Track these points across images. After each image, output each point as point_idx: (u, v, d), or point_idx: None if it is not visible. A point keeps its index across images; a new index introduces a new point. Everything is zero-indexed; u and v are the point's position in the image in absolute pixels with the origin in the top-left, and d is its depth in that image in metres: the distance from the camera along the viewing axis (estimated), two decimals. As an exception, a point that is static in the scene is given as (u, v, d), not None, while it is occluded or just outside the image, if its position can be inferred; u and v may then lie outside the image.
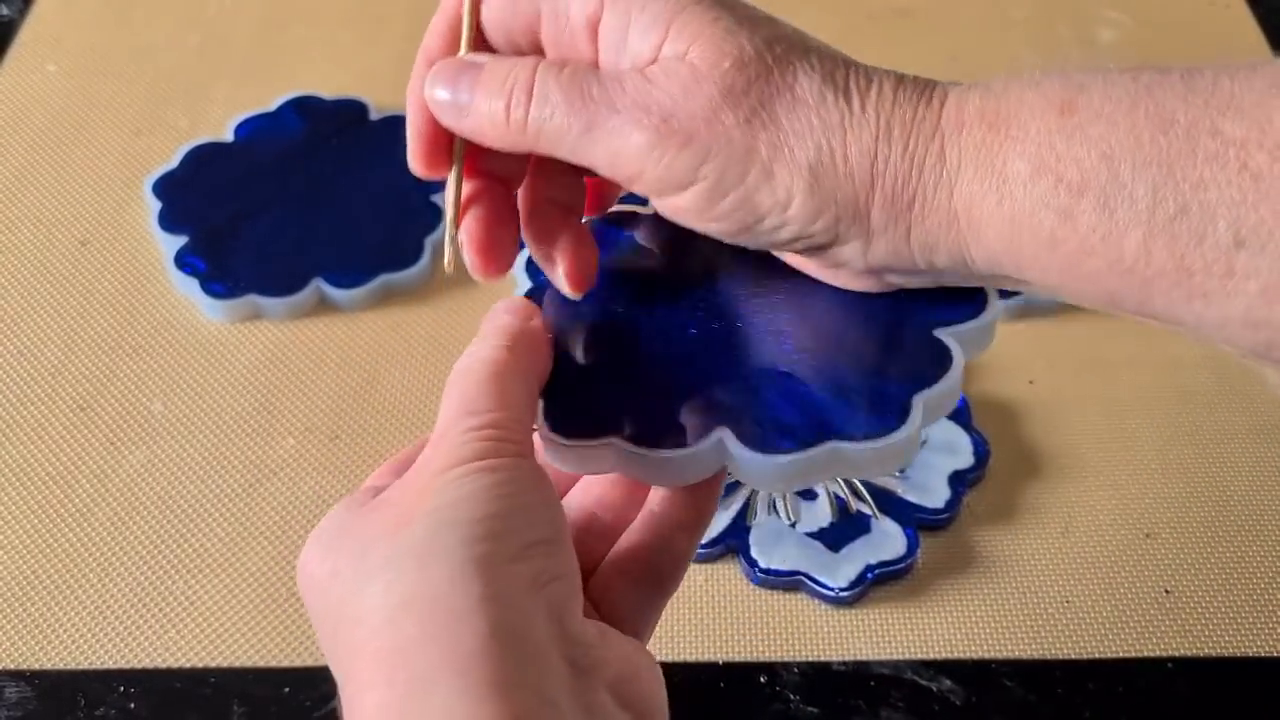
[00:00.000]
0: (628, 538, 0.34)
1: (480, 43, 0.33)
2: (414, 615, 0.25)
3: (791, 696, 0.49)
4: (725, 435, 0.31)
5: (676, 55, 0.30)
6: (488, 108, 0.31)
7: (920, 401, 0.31)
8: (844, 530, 0.52)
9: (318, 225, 0.65)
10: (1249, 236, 0.26)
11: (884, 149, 0.29)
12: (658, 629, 0.35)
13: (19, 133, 0.72)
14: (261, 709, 0.49)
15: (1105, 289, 0.28)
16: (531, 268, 0.37)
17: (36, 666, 0.50)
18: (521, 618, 0.26)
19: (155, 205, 0.66)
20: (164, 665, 0.50)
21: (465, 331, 0.62)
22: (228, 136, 0.69)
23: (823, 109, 0.29)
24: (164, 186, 0.67)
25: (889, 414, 0.31)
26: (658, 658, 0.31)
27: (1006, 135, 0.28)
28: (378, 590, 0.26)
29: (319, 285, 0.62)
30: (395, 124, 0.70)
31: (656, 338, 0.34)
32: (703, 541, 0.51)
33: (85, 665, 0.50)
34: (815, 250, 0.31)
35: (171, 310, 0.63)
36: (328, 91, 0.72)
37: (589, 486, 0.36)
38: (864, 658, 0.50)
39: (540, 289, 0.36)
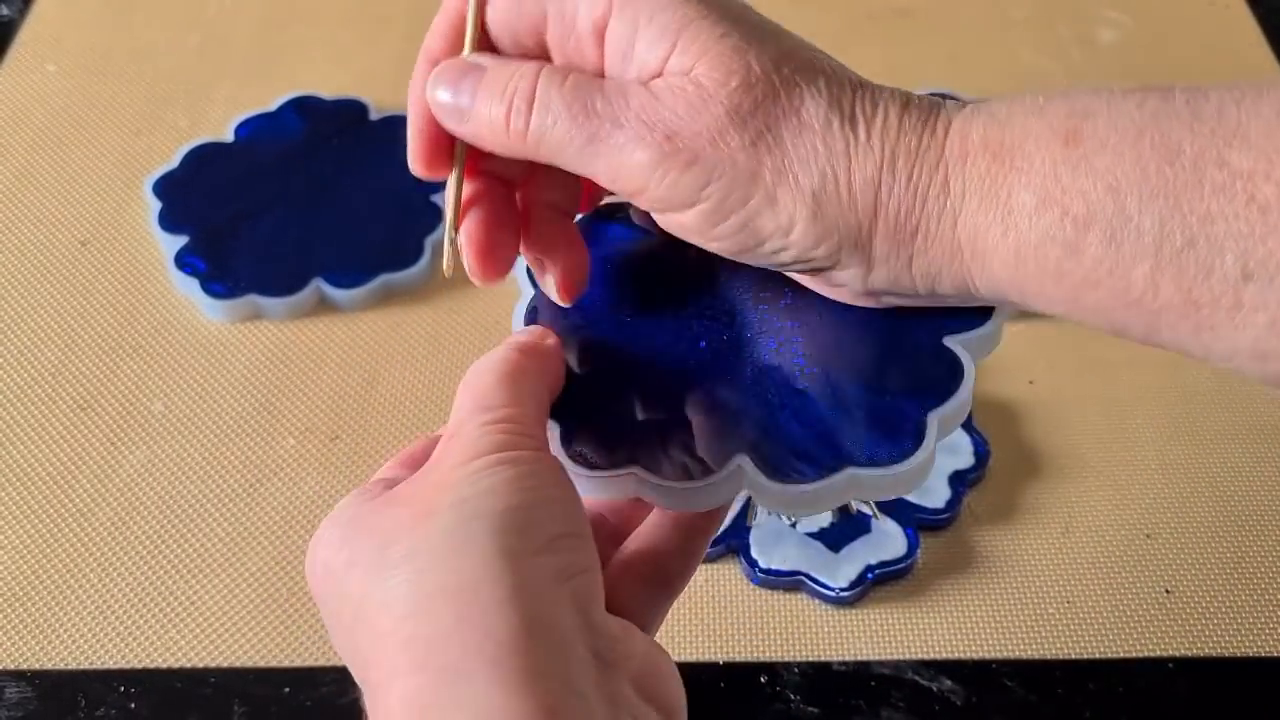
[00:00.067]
0: (638, 538, 0.34)
1: (485, 43, 0.32)
2: (446, 605, 0.25)
3: (792, 696, 0.49)
4: (745, 463, 0.31)
5: (683, 70, 0.29)
6: (488, 113, 0.31)
7: (935, 420, 0.31)
8: (844, 530, 0.52)
9: (318, 225, 0.65)
10: (1257, 269, 0.25)
11: (888, 179, 0.29)
12: (658, 629, 0.35)
13: (19, 133, 0.72)
14: (261, 709, 0.49)
15: (1111, 319, 0.28)
16: (533, 275, 0.36)
17: (37, 666, 0.50)
18: (551, 610, 0.26)
19: (155, 205, 0.66)
20: (164, 665, 0.50)
21: (465, 331, 0.62)
22: (228, 136, 0.69)
23: (828, 135, 0.29)
24: (164, 186, 0.67)
25: (906, 437, 0.31)
26: (659, 657, 0.31)
27: (1011, 166, 0.28)
28: (403, 580, 0.26)
29: (319, 285, 0.62)
30: (395, 124, 0.70)
31: (669, 353, 0.34)
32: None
33: (85, 665, 0.50)
34: (815, 272, 0.31)
35: (171, 310, 0.63)
36: (328, 91, 0.72)
37: None
38: (864, 658, 0.50)
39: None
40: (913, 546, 0.52)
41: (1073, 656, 0.50)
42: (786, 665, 0.50)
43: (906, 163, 0.29)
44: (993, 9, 0.80)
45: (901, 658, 0.50)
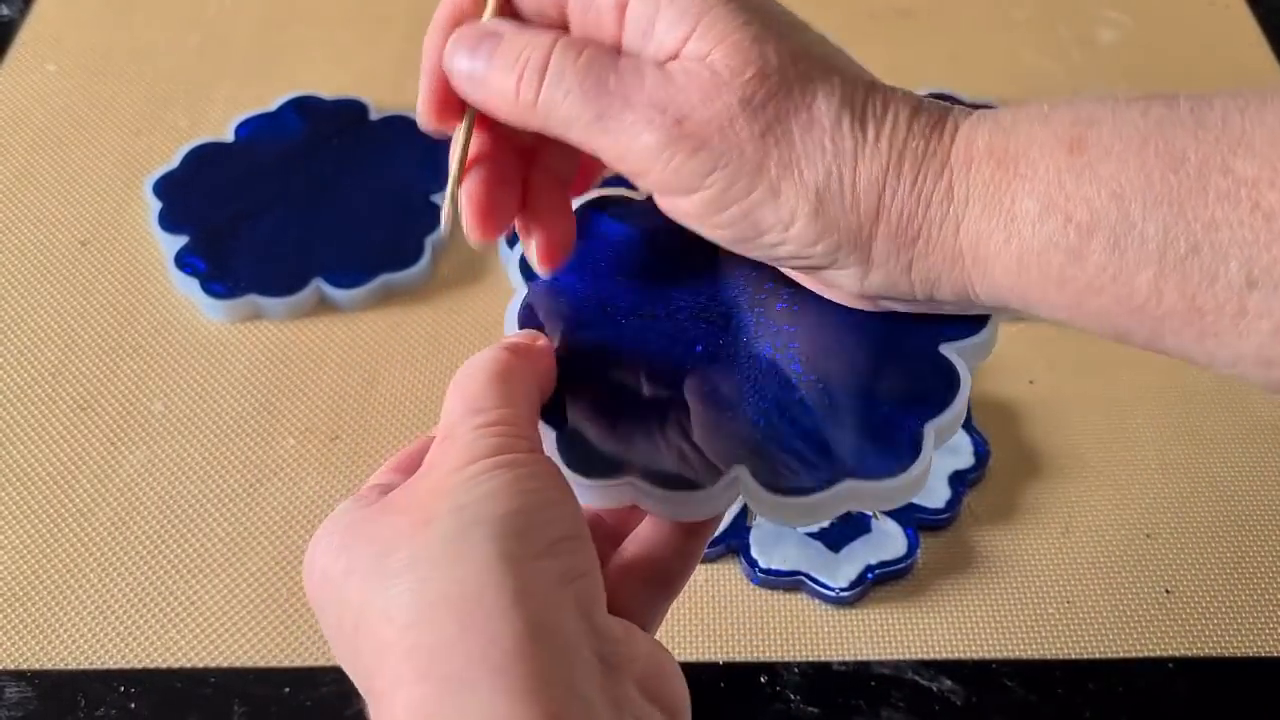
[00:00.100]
0: (636, 539, 0.34)
1: (507, 7, 0.32)
2: (449, 613, 0.25)
3: (792, 696, 0.49)
4: (742, 474, 0.31)
5: (699, 55, 0.29)
6: (500, 83, 0.30)
7: (932, 430, 0.31)
8: (844, 530, 0.52)
9: (318, 225, 0.65)
10: (1261, 277, 0.25)
11: (893, 182, 0.29)
12: (658, 629, 0.35)
13: (19, 132, 0.72)
14: (261, 709, 0.49)
15: (1114, 326, 0.28)
16: (526, 271, 0.36)
17: (37, 666, 0.50)
18: (554, 615, 0.26)
19: (155, 205, 0.66)
20: (164, 665, 0.50)
21: (465, 331, 0.62)
22: (228, 136, 0.69)
23: (837, 134, 0.29)
24: (164, 186, 0.67)
25: (903, 448, 0.31)
26: (659, 657, 0.31)
27: (1015, 173, 0.28)
28: (405, 589, 0.26)
29: (319, 285, 0.62)
30: (395, 124, 0.70)
31: (664, 357, 0.33)
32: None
33: (85, 665, 0.50)
34: (811, 269, 0.31)
35: (171, 310, 0.63)
36: (328, 91, 0.72)
37: None
38: (864, 658, 0.50)
39: (537, 297, 0.35)
40: (913, 546, 0.52)
41: (1073, 656, 0.50)
42: (786, 665, 0.50)
43: (912, 167, 0.29)
44: (994, 9, 0.80)
45: (901, 658, 0.50)
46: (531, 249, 0.34)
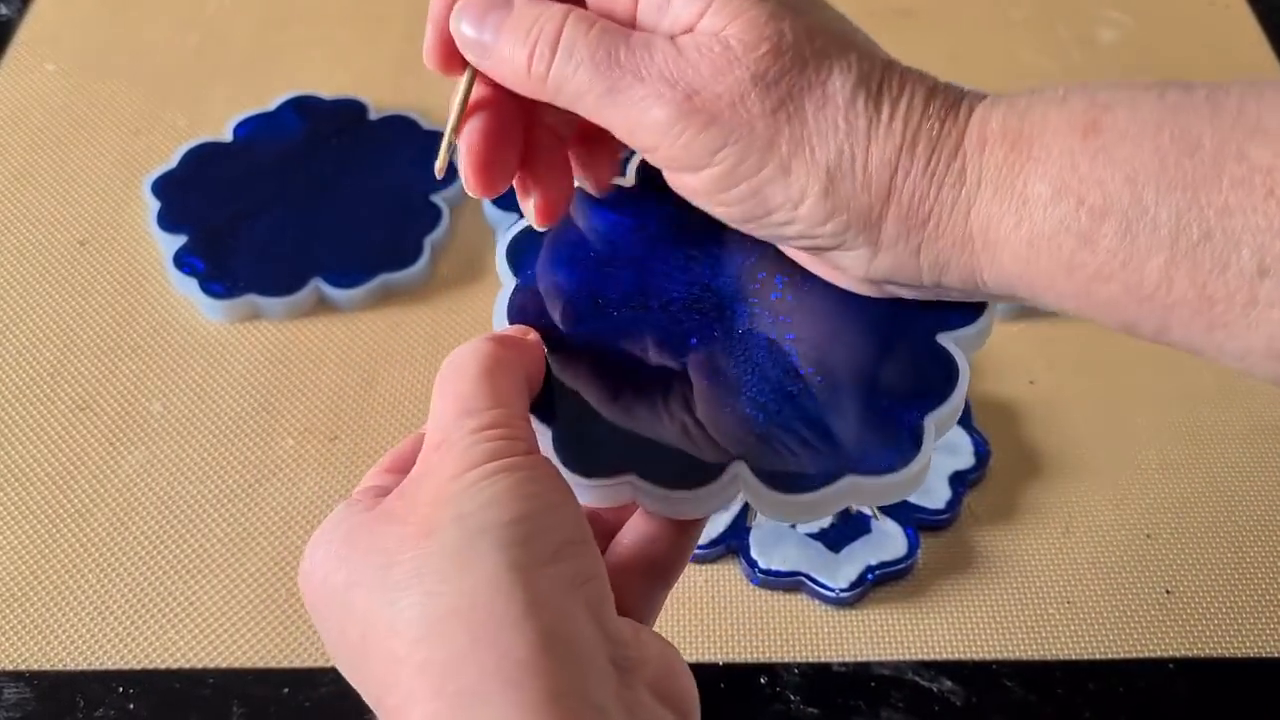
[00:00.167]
0: (631, 532, 0.34)
1: None
2: (459, 626, 0.25)
3: (792, 697, 0.49)
4: (742, 470, 0.31)
5: (714, 30, 0.29)
6: (510, 54, 0.30)
7: (932, 423, 0.31)
8: (844, 531, 0.52)
9: (317, 225, 0.65)
10: (1274, 265, 0.25)
11: (905, 162, 0.29)
12: (657, 629, 0.34)
13: (18, 132, 0.72)
14: (261, 709, 0.49)
15: (1123, 315, 0.28)
16: (515, 263, 0.35)
17: (36, 667, 0.50)
18: (566, 622, 0.26)
19: (154, 205, 0.66)
20: (164, 665, 0.50)
21: (464, 331, 0.62)
22: (227, 136, 0.69)
23: (851, 112, 0.29)
24: (163, 186, 0.66)
25: (904, 442, 0.30)
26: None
27: (1029, 156, 0.28)
28: (413, 601, 0.25)
29: (318, 285, 0.62)
30: (394, 124, 0.70)
31: (660, 352, 0.33)
32: (703, 542, 0.52)
33: (85, 666, 0.50)
34: (818, 250, 0.31)
35: (171, 310, 0.63)
36: (327, 91, 0.71)
37: None
38: (864, 658, 0.50)
39: (529, 292, 0.35)
40: (913, 547, 0.52)
41: (1073, 657, 0.50)
42: (786, 666, 0.50)
43: (926, 148, 0.29)
44: (993, 9, 0.80)
45: (901, 658, 0.50)
46: (530, 206, 0.33)
